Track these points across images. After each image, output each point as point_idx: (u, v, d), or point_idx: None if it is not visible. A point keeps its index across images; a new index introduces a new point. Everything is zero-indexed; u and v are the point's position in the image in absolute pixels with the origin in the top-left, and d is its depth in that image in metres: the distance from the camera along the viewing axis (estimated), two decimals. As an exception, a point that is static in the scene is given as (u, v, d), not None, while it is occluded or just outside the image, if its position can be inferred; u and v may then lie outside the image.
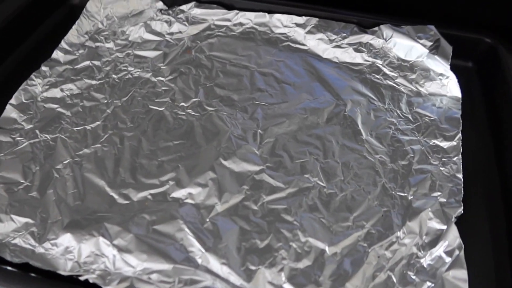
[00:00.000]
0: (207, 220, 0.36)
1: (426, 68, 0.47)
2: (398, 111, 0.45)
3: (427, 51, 0.48)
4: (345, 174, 0.39)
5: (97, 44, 0.50)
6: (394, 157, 0.41)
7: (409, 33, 0.49)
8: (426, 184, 0.39)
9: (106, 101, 0.45)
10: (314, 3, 0.52)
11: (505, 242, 0.36)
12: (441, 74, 0.47)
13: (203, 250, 0.34)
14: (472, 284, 0.32)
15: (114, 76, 0.47)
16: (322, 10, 0.52)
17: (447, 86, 0.46)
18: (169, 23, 0.52)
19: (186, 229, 0.35)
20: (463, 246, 0.33)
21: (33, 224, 0.35)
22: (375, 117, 0.44)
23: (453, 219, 0.35)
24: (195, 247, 0.34)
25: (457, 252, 0.33)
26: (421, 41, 0.48)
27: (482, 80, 0.49)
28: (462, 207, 0.36)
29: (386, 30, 0.50)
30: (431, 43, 0.48)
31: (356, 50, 0.49)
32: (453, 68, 0.47)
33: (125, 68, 0.48)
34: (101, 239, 0.34)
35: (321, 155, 0.41)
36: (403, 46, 0.49)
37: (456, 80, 0.45)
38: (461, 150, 0.40)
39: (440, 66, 0.47)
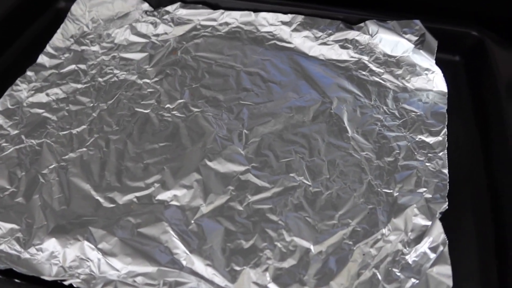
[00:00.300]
0: (192, 221, 0.36)
1: (412, 63, 0.47)
2: (385, 107, 0.44)
3: (413, 46, 0.47)
4: (331, 172, 0.39)
5: (83, 47, 0.50)
6: (380, 153, 0.41)
7: (395, 28, 0.49)
8: (412, 180, 0.38)
9: (92, 104, 0.45)
10: (299, 0, 0.52)
11: (491, 236, 0.36)
12: (427, 69, 0.46)
13: (188, 252, 0.34)
14: (457, 279, 0.32)
15: (99, 79, 0.47)
16: (307, 7, 0.51)
17: (433, 81, 0.45)
18: (155, 25, 0.52)
19: (171, 231, 0.35)
20: (447, 241, 0.33)
21: (18, 230, 0.35)
22: (361, 114, 0.44)
23: (438, 215, 0.35)
24: (180, 249, 0.34)
25: (441, 248, 0.33)
26: (407, 36, 0.48)
27: (469, 73, 0.48)
28: (447, 203, 0.36)
29: (371, 26, 0.49)
30: (417, 38, 0.48)
31: (342, 47, 0.49)
32: (440, 62, 0.47)
33: (111, 71, 0.48)
34: (85, 243, 0.34)
35: (306, 154, 0.41)
36: (389, 41, 0.48)
37: (441, 74, 0.45)
38: (447, 145, 0.40)
39: (426, 60, 0.47)
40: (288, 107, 0.44)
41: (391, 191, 0.38)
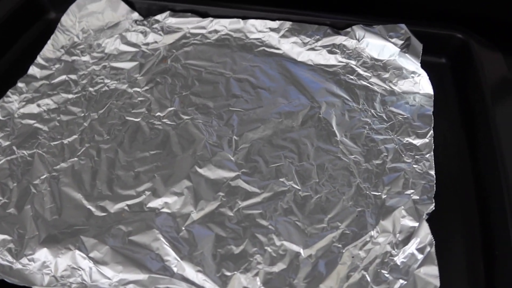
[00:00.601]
0: (183, 228, 0.36)
1: (398, 67, 0.48)
2: (372, 111, 0.45)
3: (399, 49, 0.48)
4: (320, 176, 0.40)
5: (73, 58, 0.50)
6: (369, 156, 0.41)
7: (381, 32, 0.49)
8: (400, 182, 0.39)
9: (83, 114, 0.45)
10: (287, 7, 0.53)
11: (478, 236, 0.37)
12: (413, 72, 0.47)
13: (179, 259, 0.34)
14: (444, 279, 0.32)
15: (90, 89, 0.47)
16: (295, 14, 0.52)
17: (419, 84, 0.46)
18: (145, 34, 0.52)
19: (162, 239, 0.35)
20: (434, 242, 0.33)
21: (10, 241, 0.35)
22: (350, 117, 0.44)
23: (425, 216, 0.36)
24: (171, 256, 0.35)
25: (428, 248, 0.34)
26: (393, 40, 0.48)
27: (455, 75, 0.49)
28: (434, 204, 0.36)
29: (358, 31, 0.50)
30: (402, 42, 0.48)
31: (330, 52, 0.50)
32: (427, 65, 0.47)
33: (102, 81, 0.48)
34: (77, 252, 0.34)
35: (296, 158, 0.41)
36: (376, 46, 0.49)
37: (427, 77, 0.46)
38: (433, 147, 0.40)
39: (412, 64, 0.47)
40: (277, 113, 0.45)
41: (379, 193, 0.38)
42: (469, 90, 0.46)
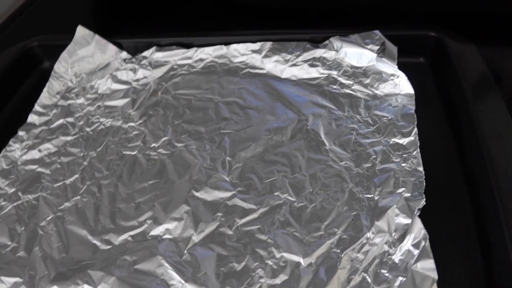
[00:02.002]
0: (185, 252, 0.37)
1: (378, 71, 0.49)
2: (358, 116, 0.46)
3: (375, 55, 0.50)
4: (313, 186, 0.41)
5: (69, 101, 0.53)
6: (358, 161, 0.42)
7: (357, 41, 0.51)
8: (390, 182, 0.40)
9: (82, 154, 0.47)
10: (266, 28, 0.55)
11: (472, 225, 0.37)
12: (392, 75, 0.49)
13: (183, 281, 0.35)
14: (442, 271, 0.33)
15: (87, 129, 0.50)
16: (274, 34, 0.54)
17: (399, 85, 0.47)
18: (134, 71, 0.55)
19: (166, 264, 0.36)
20: (427, 236, 0.34)
21: (22, 283, 0.37)
22: (337, 126, 0.46)
23: (416, 212, 0.36)
24: (176, 280, 0.36)
25: (423, 243, 0.34)
26: (369, 47, 0.50)
27: (434, 72, 0.50)
28: (424, 199, 0.37)
29: (335, 42, 0.52)
30: (378, 47, 0.50)
31: (311, 66, 0.52)
32: (407, 65, 0.49)
33: (97, 120, 0.50)
34: (85, 286, 0.36)
35: (288, 171, 0.42)
36: (354, 54, 0.51)
37: (406, 77, 0.47)
38: (419, 143, 0.41)
39: (390, 67, 0.49)
40: (266, 130, 0.46)
41: (372, 195, 0.39)
42: (448, 84, 0.47)
